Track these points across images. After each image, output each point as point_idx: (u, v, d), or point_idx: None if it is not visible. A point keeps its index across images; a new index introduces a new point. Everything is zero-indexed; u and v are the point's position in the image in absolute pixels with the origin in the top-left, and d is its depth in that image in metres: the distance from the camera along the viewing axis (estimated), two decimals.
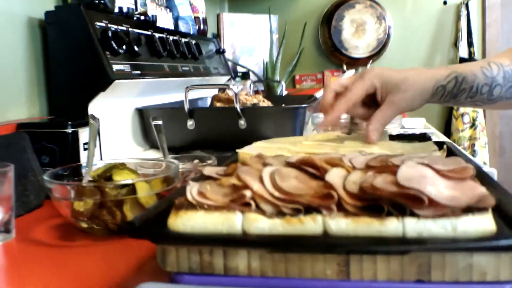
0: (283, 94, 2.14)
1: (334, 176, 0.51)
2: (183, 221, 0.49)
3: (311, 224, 0.46)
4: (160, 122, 1.04)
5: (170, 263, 0.49)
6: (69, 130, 0.90)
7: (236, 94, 1.16)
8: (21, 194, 0.84)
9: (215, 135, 1.21)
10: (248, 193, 0.49)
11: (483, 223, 0.43)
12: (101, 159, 0.87)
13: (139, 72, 1.20)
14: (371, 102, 0.83)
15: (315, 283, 0.46)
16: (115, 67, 1.09)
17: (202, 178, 0.60)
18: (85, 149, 0.93)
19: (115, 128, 1.16)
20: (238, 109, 1.16)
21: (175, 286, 0.49)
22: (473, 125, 2.65)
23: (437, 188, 0.46)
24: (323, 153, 0.65)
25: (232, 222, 0.48)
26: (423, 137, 0.89)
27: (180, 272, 0.49)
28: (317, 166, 0.54)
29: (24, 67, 1.06)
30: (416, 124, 1.75)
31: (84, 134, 0.92)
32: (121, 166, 0.73)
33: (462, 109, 2.66)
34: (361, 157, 0.60)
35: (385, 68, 0.81)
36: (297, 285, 0.47)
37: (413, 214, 0.44)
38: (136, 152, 1.25)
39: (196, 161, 0.94)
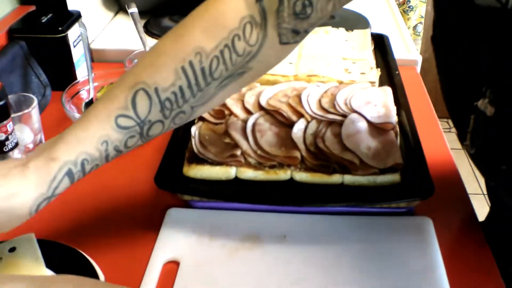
0: None
1: (297, 131, 0.73)
2: (195, 172, 0.70)
3: (283, 175, 0.69)
4: (135, 10, 1.14)
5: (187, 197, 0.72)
6: (60, 35, 1.00)
7: None
8: None
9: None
10: (238, 152, 0.70)
11: (393, 178, 0.67)
12: (91, 60, 0.99)
13: None
14: None
15: None
16: None
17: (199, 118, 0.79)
18: (74, 46, 1.04)
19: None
20: None
21: (196, 210, 0.72)
22: None
23: (367, 148, 0.69)
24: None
25: (228, 173, 0.70)
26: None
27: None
28: (284, 116, 0.75)
29: None
30: None
31: (72, 32, 1.03)
32: None
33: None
34: (316, 94, 0.80)
35: None
36: None
37: (350, 172, 0.68)
38: (108, 18, 1.34)
39: None
